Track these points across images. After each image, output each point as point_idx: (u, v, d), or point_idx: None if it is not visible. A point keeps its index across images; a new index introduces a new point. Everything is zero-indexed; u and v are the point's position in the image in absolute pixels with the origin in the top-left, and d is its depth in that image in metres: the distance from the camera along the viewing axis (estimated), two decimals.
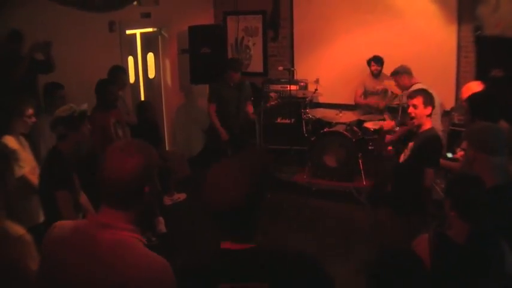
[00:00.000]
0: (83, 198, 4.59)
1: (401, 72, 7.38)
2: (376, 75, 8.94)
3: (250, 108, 8.43)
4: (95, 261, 2.05)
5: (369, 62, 9.01)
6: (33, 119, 5.19)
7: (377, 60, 8.92)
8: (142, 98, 9.01)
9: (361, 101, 9.17)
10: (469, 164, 3.38)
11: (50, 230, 2.26)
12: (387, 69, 8.81)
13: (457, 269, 2.63)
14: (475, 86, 5.47)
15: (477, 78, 7.46)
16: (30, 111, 5.14)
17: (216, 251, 2.10)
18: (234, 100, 8.20)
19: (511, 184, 3.39)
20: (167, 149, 9.00)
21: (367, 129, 8.39)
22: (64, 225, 2.27)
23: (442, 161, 4.85)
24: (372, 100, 9.00)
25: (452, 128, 8.02)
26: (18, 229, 2.88)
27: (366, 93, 9.16)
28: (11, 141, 5.00)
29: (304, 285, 2.04)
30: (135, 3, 7.51)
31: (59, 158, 4.33)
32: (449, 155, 5.13)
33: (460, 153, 4.81)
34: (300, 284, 2.03)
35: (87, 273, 2.06)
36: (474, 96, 4.57)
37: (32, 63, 5.81)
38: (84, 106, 4.66)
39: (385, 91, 8.76)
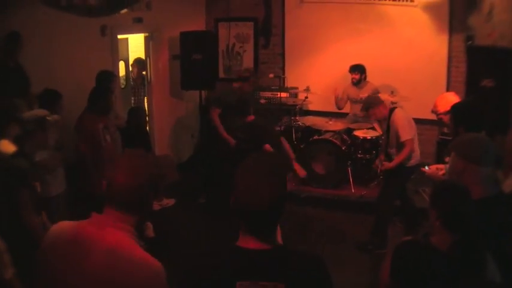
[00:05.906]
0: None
1: (374, 104, 6.68)
2: (356, 83, 8.87)
3: None
4: (88, 276, 2.12)
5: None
6: None
7: (354, 69, 8.84)
8: (133, 103, 8.99)
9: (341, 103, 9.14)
10: (457, 175, 3.35)
11: (46, 235, 2.28)
12: (377, 79, 8.83)
13: (438, 275, 2.62)
14: (452, 97, 5.35)
15: (468, 88, 7.48)
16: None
17: (234, 249, 2.11)
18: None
19: (501, 195, 3.39)
20: (156, 154, 8.97)
21: (356, 137, 8.40)
22: (60, 229, 2.27)
23: (427, 173, 4.81)
24: (357, 108, 8.72)
25: (442, 137, 8.06)
26: None
27: (351, 102, 9.09)
28: (6, 145, 4.96)
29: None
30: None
31: (24, 157, 4.40)
32: (426, 167, 5.05)
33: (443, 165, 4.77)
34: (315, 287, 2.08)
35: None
36: (458, 106, 4.53)
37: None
38: (56, 117, 4.88)
39: None
